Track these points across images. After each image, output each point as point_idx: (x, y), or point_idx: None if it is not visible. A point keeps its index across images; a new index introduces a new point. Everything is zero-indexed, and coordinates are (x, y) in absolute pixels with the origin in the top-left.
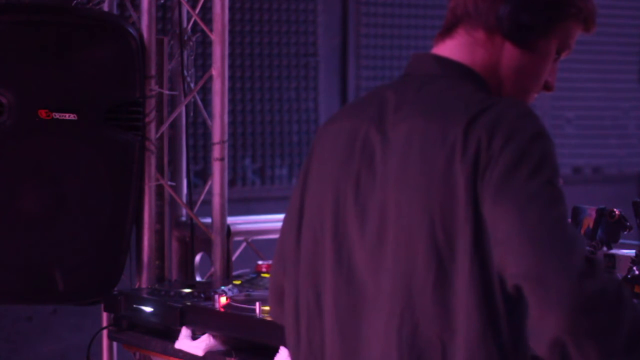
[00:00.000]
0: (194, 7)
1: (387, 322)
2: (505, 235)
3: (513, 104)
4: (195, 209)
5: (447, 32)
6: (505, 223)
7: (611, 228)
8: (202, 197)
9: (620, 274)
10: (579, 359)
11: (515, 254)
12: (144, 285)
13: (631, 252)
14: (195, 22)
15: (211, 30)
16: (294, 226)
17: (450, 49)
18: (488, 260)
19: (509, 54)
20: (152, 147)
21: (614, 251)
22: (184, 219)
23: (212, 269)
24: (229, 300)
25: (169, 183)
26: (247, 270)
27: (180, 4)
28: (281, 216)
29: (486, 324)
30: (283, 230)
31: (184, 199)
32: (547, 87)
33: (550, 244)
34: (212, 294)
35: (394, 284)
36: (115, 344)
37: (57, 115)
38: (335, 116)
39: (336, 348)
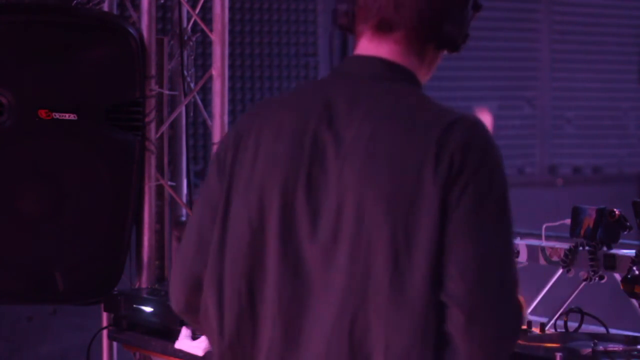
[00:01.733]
0: (194, 7)
1: (338, 319)
2: (460, 262)
3: (478, 123)
4: None
5: (388, 31)
6: (464, 252)
7: (611, 228)
8: None
9: (620, 274)
10: None
11: (463, 284)
12: (144, 285)
13: (631, 252)
14: (195, 22)
15: (211, 30)
16: (219, 219)
17: (393, 53)
18: (438, 274)
19: (431, 56)
20: (152, 147)
21: (614, 251)
22: (184, 219)
23: None
24: None
25: (169, 183)
26: None
27: (180, 4)
28: None
29: (426, 335)
30: (202, 222)
31: (184, 199)
32: None
33: (497, 290)
34: None
35: (348, 283)
36: (115, 344)
37: (57, 115)
38: (264, 110)
39: (277, 339)
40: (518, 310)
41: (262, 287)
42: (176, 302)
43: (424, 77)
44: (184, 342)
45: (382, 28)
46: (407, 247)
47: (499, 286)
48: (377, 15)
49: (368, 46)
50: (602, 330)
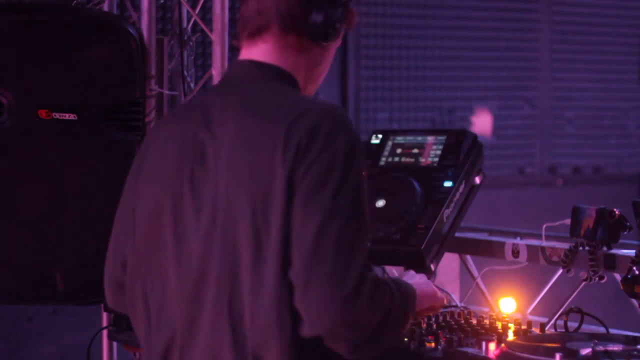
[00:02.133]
0: (194, 7)
1: (218, 301)
2: (301, 237)
3: (331, 111)
4: None
5: (257, 35)
6: (304, 228)
7: (611, 228)
8: None
9: (620, 274)
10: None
11: (301, 256)
12: None
13: (631, 252)
14: (195, 22)
15: (211, 30)
16: (129, 225)
17: (264, 53)
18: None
19: (313, 53)
20: None
21: (614, 251)
22: None
23: None
24: None
25: None
26: None
27: (180, 4)
28: None
29: (282, 311)
30: (117, 230)
31: None
32: None
33: (331, 264)
34: None
35: (223, 268)
36: (115, 344)
37: (57, 115)
38: (161, 124)
39: (185, 326)
40: (358, 284)
41: (169, 283)
42: (108, 300)
43: (308, 72)
44: None
45: (253, 34)
46: (265, 230)
47: (334, 261)
48: (248, 24)
49: (244, 52)
50: (602, 330)
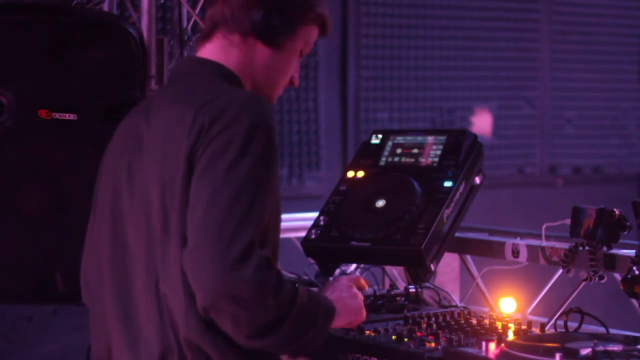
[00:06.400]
0: (194, 7)
1: (147, 275)
2: (193, 208)
3: (241, 96)
4: None
5: (206, 37)
6: (197, 199)
7: (611, 228)
8: None
9: (620, 274)
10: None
11: (192, 225)
12: None
13: (631, 252)
14: (195, 22)
15: None
16: (92, 218)
17: (209, 51)
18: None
19: (261, 52)
20: None
21: (614, 251)
22: None
23: None
24: None
25: None
26: None
27: (180, 4)
28: (282, 216)
29: (185, 283)
30: (89, 227)
31: None
32: (292, 81)
33: (217, 231)
34: None
35: (148, 243)
36: None
37: (57, 115)
38: (121, 123)
39: (114, 308)
40: (243, 257)
41: (103, 269)
42: (82, 295)
43: (259, 72)
44: None
45: (203, 38)
46: (171, 207)
47: (219, 232)
48: (202, 33)
49: (197, 49)
50: (602, 330)
